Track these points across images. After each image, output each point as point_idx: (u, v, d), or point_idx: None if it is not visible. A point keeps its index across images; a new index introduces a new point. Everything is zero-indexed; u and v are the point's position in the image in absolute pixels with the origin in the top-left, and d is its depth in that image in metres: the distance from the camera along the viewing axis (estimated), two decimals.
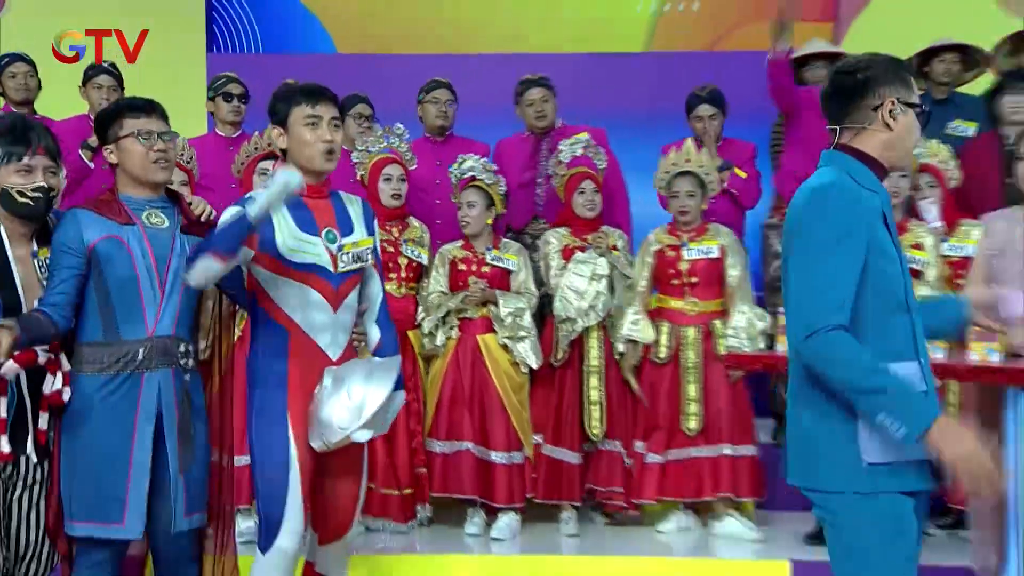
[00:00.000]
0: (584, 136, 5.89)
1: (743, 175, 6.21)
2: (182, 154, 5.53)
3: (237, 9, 8.93)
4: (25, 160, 3.52)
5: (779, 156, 6.69)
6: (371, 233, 3.85)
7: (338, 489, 3.81)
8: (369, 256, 3.81)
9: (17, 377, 3.47)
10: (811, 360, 2.95)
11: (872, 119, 3.09)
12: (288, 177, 3.43)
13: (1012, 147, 4.92)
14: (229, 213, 3.54)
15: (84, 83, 6.55)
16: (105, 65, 6.63)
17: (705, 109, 6.23)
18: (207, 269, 3.44)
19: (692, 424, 5.55)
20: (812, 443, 3.07)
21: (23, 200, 3.52)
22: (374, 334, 3.90)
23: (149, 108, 3.69)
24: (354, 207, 3.84)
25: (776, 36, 5.93)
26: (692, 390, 5.56)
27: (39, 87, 6.64)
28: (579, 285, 5.56)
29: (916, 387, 2.96)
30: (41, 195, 3.54)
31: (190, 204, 3.80)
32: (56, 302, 3.50)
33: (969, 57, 6.55)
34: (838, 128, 3.14)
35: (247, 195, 3.68)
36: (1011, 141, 5.81)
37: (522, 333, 5.54)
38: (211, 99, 6.51)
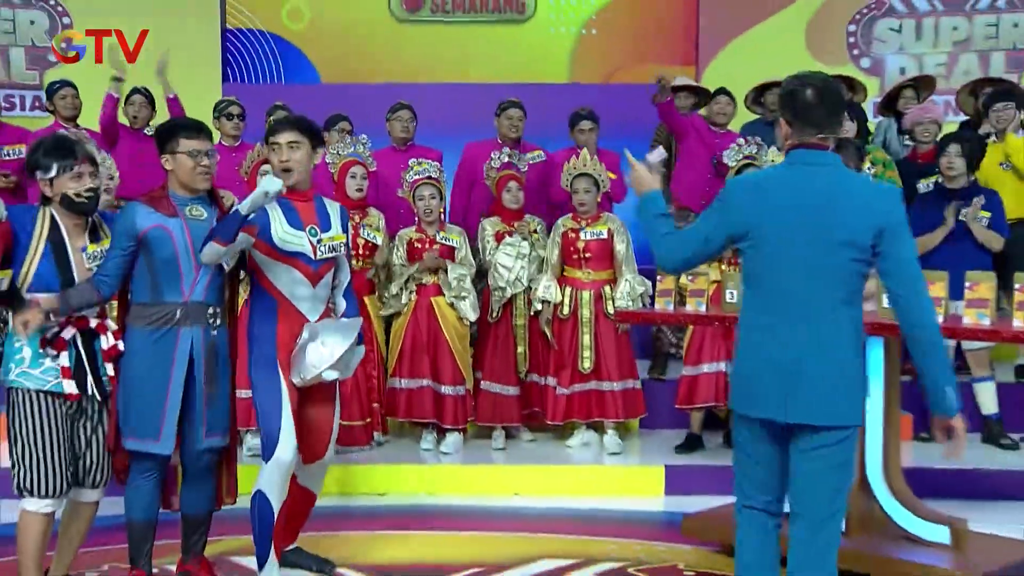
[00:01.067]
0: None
1: (612, 176, 6.09)
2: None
3: (244, 46, 8.90)
4: (76, 169, 3.51)
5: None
6: (345, 231, 3.89)
7: (317, 418, 3.84)
8: (341, 248, 3.86)
9: (74, 336, 3.50)
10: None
11: (841, 128, 3.17)
12: (268, 184, 3.50)
13: None
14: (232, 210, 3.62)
15: (125, 103, 6.54)
16: (141, 88, 6.59)
17: (586, 124, 6.23)
18: (212, 250, 3.51)
19: (586, 364, 5.62)
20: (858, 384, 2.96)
21: (79, 200, 3.51)
22: (341, 304, 3.97)
23: (199, 130, 3.67)
24: (333, 210, 3.88)
25: (658, 94, 6.09)
26: (587, 339, 5.65)
27: (81, 105, 6.57)
28: (507, 262, 5.63)
29: None
30: (92, 194, 3.54)
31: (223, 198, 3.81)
32: (106, 274, 3.51)
33: None
34: (823, 134, 2.95)
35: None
36: None
37: (464, 294, 5.59)
38: (216, 118, 6.45)
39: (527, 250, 5.66)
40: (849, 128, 5.94)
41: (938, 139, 6.13)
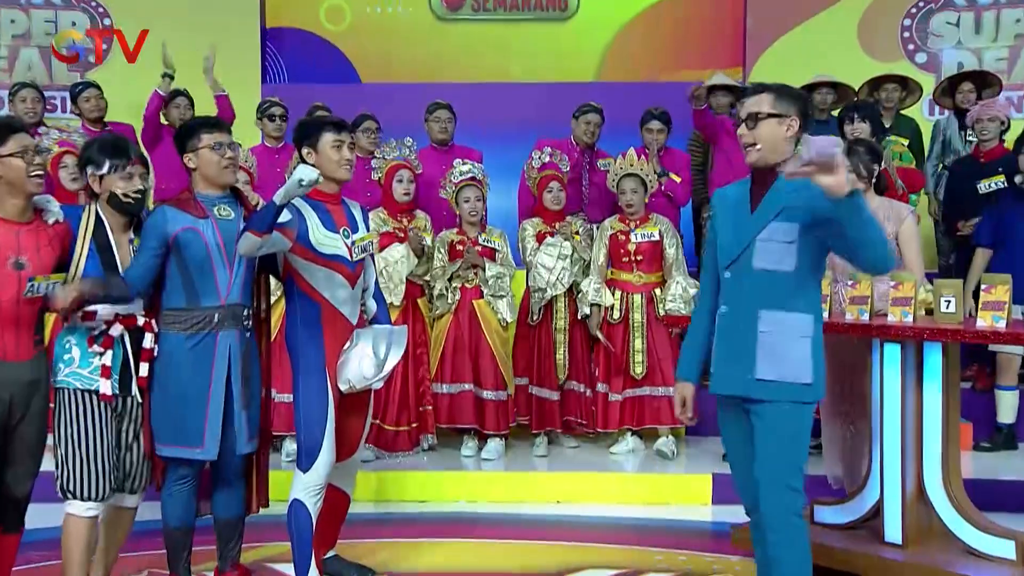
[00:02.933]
0: (548, 149, 5.88)
1: (678, 180, 6.23)
2: (246, 161, 5.57)
3: (285, 47, 8.96)
4: (128, 169, 3.54)
5: (696, 164, 6.73)
6: (369, 230, 3.91)
7: (351, 421, 3.85)
8: (371, 248, 3.88)
9: (122, 335, 3.51)
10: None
11: None
12: (304, 172, 3.46)
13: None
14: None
15: (166, 105, 6.59)
16: (182, 90, 6.64)
17: (655, 124, 6.22)
18: (248, 241, 3.49)
19: (639, 370, 5.61)
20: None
21: (127, 200, 3.53)
22: (372, 306, 3.97)
23: (219, 124, 3.71)
24: (356, 210, 3.90)
25: (694, 101, 6.09)
26: (639, 343, 5.63)
27: (107, 106, 6.63)
28: (548, 263, 5.62)
29: None
30: (140, 195, 3.56)
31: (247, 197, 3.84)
32: (137, 274, 3.50)
33: (840, 91, 6.69)
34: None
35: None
36: None
37: (501, 293, 5.60)
38: (259, 119, 6.51)
39: (568, 251, 5.63)
40: (862, 129, 5.84)
41: (1003, 137, 5.99)
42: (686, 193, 6.30)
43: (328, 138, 3.74)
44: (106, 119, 6.65)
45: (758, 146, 3.12)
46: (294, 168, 5.58)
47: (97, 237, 3.52)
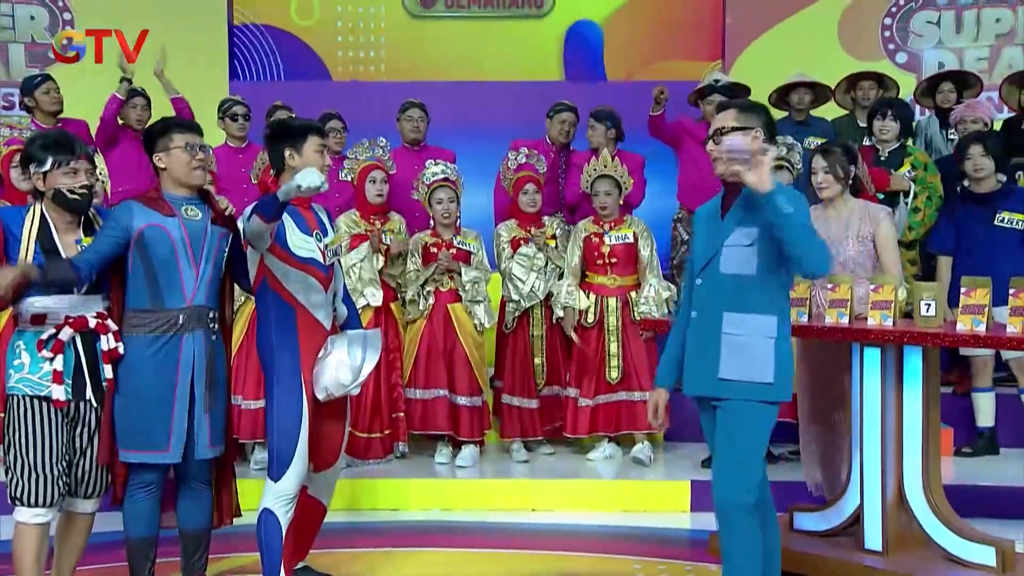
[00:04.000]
0: (524, 150, 5.90)
1: (629, 180, 6.15)
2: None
3: (253, 43, 8.91)
4: (72, 165, 3.51)
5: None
6: (334, 233, 3.95)
7: (329, 430, 3.84)
8: (340, 251, 3.91)
9: (73, 339, 3.48)
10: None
11: None
12: (307, 178, 3.45)
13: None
14: (247, 211, 3.60)
15: (127, 105, 6.52)
16: (139, 89, 6.55)
17: (599, 126, 6.19)
18: (256, 223, 3.49)
19: (613, 374, 5.62)
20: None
21: (72, 196, 3.51)
22: (343, 310, 3.98)
23: (192, 125, 3.72)
24: (323, 214, 3.93)
25: (654, 106, 6.14)
26: (613, 347, 5.64)
27: (62, 100, 6.48)
28: (520, 274, 5.65)
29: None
30: (86, 191, 3.54)
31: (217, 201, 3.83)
32: (87, 257, 3.47)
33: (818, 91, 6.75)
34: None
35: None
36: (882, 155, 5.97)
37: (479, 298, 5.61)
38: (221, 119, 6.43)
39: (542, 262, 5.65)
40: (890, 128, 5.88)
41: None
42: (639, 195, 6.25)
43: (314, 142, 3.78)
44: (60, 115, 6.56)
45: (723, 160, 3.30)
46: (258, 171, 5.60)
47: (42, 238, 3.49)
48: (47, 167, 3.51)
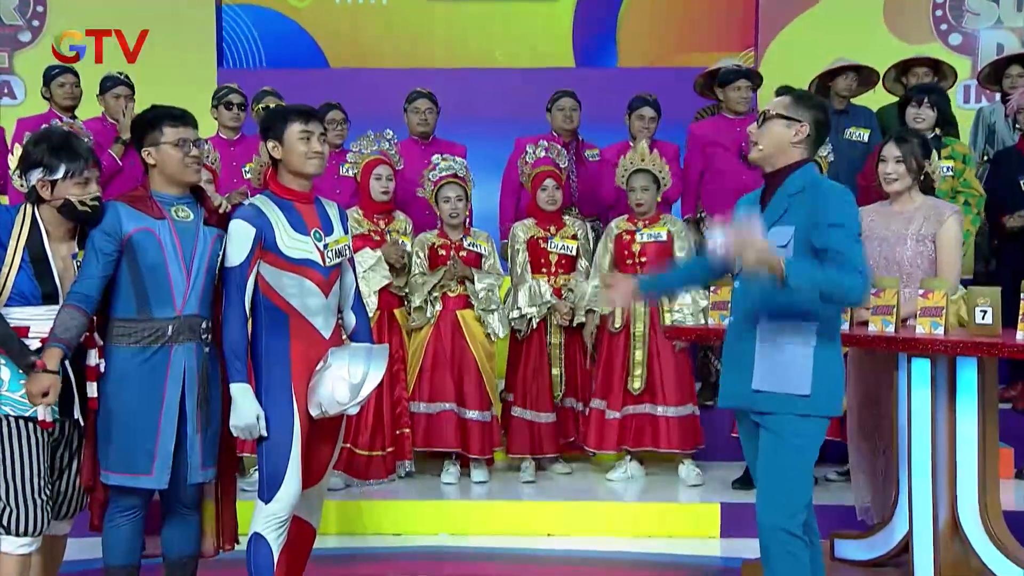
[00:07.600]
0: (544, 143, 5.89)
1: (670, 176, 6.15)
2: (207, 156, 5.53)
3: (243, 28, 8.91)
4: (85, 174, 3.48)
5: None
6: (346, 232, 3.88)
7: (319, 448, 3.82)
8: (347, 251, 3.85)
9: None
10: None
11: None
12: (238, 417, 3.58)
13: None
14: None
15: (102, 92, 6.51)
16: (120, 76, 6.49)
17: (648, 111, 6.21)
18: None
19: (636, 384, 5.58)
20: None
21: (83, 208, 3.47)
22: (351, 320, 3.94)
23: (185, 118, 3.65)
24: (332, 210, 3.87)
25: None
26: (639, 355, 5.60)
27: (81, 95, 6.54)
28: (523, 303, 5.66)
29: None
30: (97, 203, 3.50)
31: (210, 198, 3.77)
32: (89, 294, 3.44)
33: (864, 75, 6.70)
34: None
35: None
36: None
37: (492, 306, 5.59)
38: (214, 107, 6.41)
39: (548, 295, 5.67)
40: (926, 116, 5.82)
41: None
42: (675, 188, 6.24)
43: (295, 128, 3.69)
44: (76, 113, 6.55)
45: (760, 145, 3.38)
46: (257, 172, 5.56)
47: (31, 245, 3.46)
48: (59, 175, 3.47)
